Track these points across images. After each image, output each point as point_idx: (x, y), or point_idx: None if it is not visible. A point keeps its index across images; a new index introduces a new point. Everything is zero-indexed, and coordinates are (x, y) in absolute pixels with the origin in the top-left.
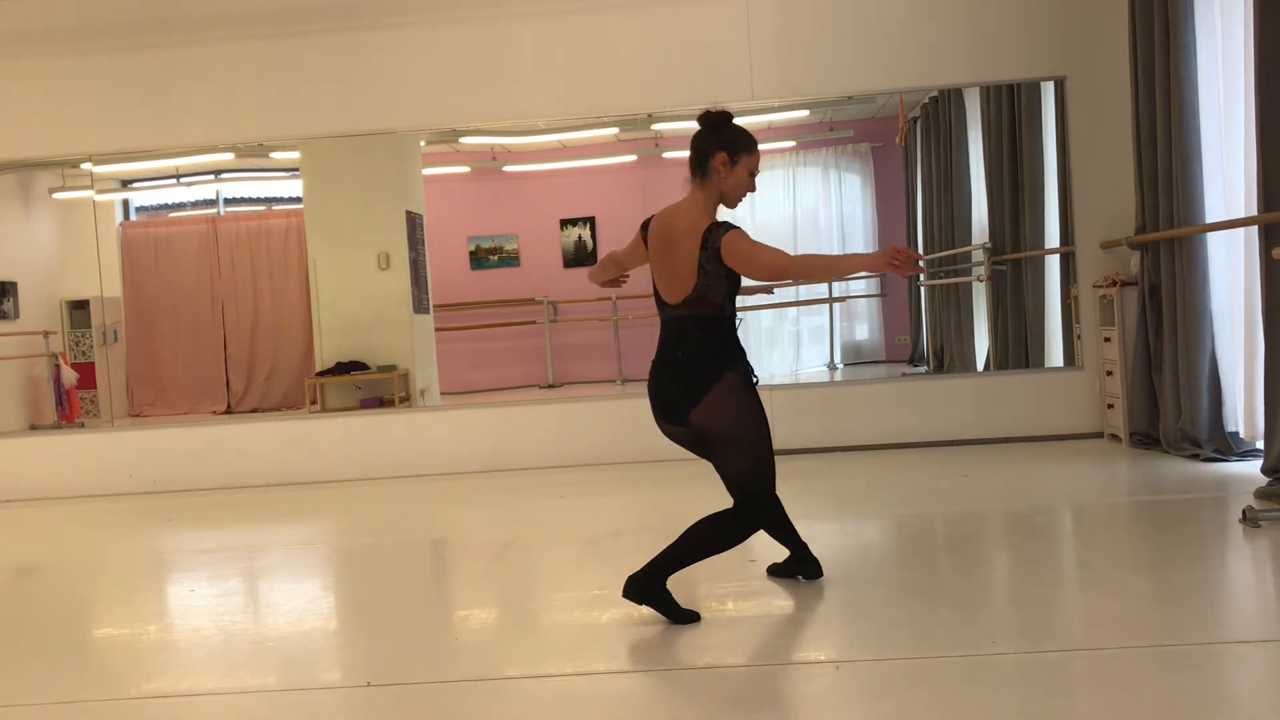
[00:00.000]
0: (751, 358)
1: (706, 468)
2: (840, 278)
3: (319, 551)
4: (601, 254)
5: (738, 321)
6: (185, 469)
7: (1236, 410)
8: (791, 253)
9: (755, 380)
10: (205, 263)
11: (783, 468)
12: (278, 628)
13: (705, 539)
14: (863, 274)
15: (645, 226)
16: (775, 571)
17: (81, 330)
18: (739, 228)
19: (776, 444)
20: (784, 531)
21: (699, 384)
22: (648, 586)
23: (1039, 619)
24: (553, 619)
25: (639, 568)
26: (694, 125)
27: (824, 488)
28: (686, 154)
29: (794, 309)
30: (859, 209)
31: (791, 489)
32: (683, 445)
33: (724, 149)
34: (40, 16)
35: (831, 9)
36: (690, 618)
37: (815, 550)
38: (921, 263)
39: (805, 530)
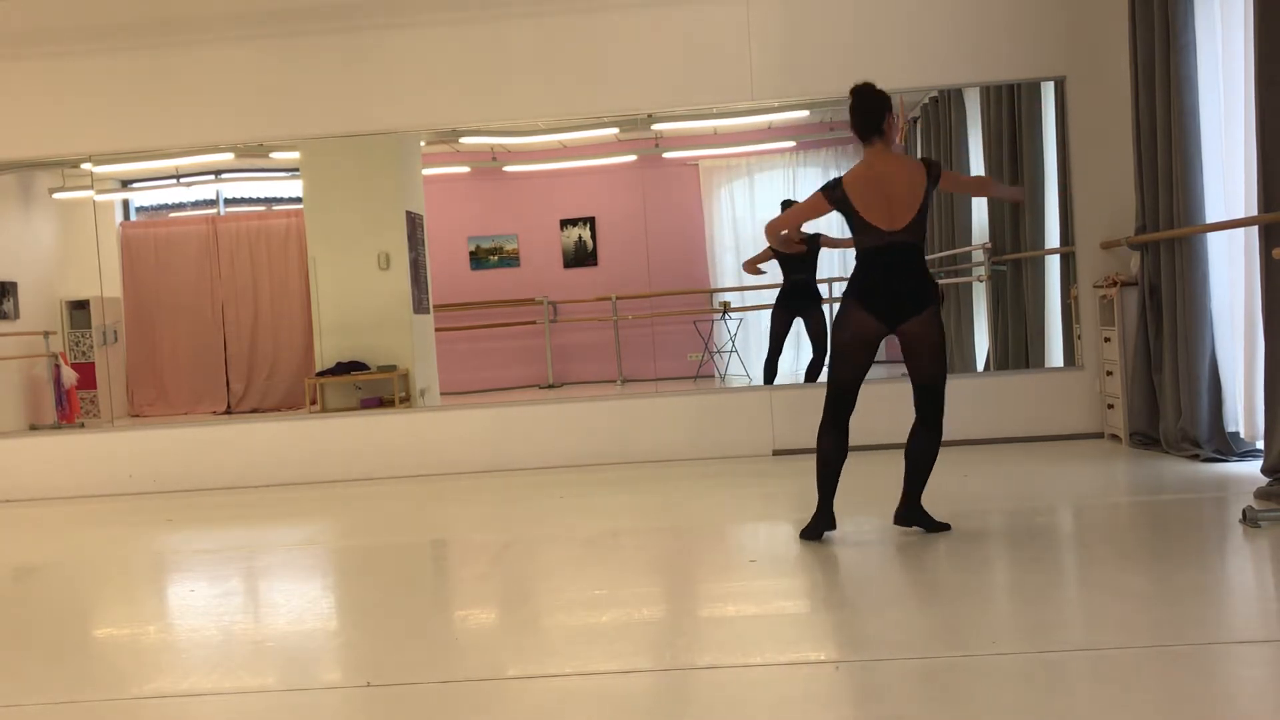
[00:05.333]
0: (751, 357)
1: (706, 468)
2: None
3: (319, 551)
4: (601, 254)
5: (738, 320)
6: (185, 469)
7: (1236, 410)
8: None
9: None
10: (205, 263)
11: (783, 467)
12: (278, 628)
13: (930, 452)
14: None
15: (832, 188)
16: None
17: (81, 330)
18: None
19: (778, 444)
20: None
21: (926, 297)
22: (910, 512)
23: (1039, 619)
24: (553, 619)
25: (899, 501)
26: (694, 125)
27: None
28: (687, 153)
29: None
30: None
31: (792, 489)
32: (863, 351)
33: (888, 110)
34: (40, 16)
35: (831, 9)
36: (944, 526)
37: (816, 549)
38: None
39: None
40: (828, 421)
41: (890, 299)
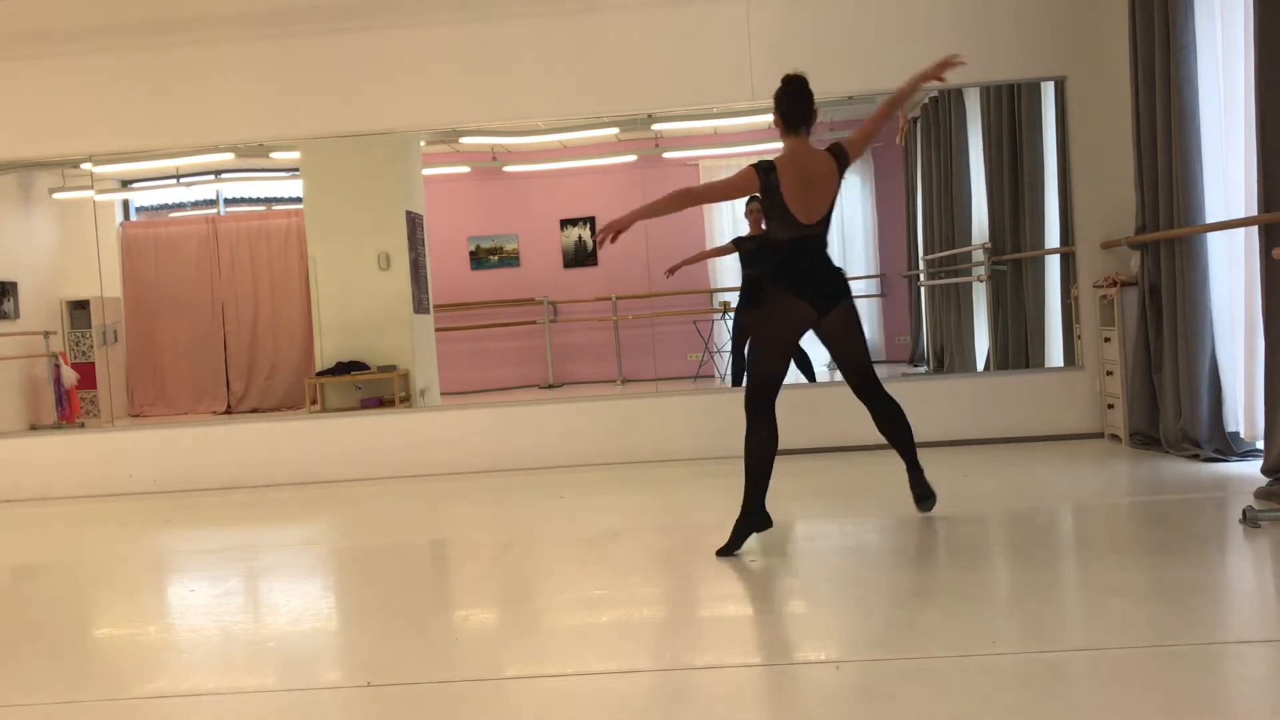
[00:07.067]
0: None
1: (703, 468)
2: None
3: (319, 551)
4: (601, 254)
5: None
6: (185, 469)
7: (1236, 410)
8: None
9: None
10: (205, 263)
11: (783, 467)
12: (278, 628)
13: (903, 423)
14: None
15: (767, 170)
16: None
17: (81, 330)
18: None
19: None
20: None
21: (844, 288)
22: (923, 484)
23: (1039, 619)
24: (553, 619)
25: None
26: (694, 125)
27: (824, 487)
28: (687, 154)
29: None
30: (859, 209)
31: (791, 489)
32: (795, 340)
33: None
34: (40, 17)
35: (831, 10)
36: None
37: (816, 549)
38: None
39: (806, 530)
40: (760, 416)
41: (819, 286)
